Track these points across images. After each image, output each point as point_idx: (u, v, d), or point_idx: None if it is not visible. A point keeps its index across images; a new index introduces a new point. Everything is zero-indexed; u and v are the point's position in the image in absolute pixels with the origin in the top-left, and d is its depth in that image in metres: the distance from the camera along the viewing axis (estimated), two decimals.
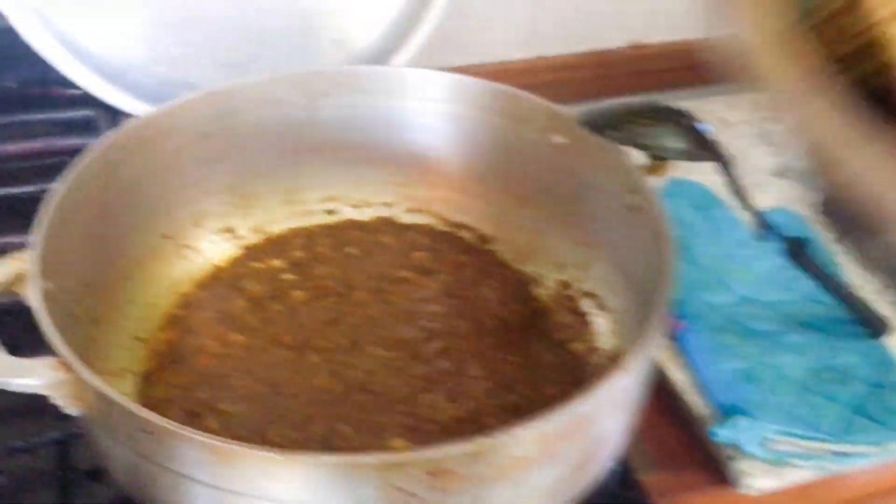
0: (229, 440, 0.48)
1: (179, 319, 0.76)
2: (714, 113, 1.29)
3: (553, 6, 1.22)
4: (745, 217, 0.77)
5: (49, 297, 0.59)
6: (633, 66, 1.31)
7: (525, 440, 0.51)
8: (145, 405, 0.67)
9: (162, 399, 0.70)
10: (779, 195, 1.10)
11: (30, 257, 0.60)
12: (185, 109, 0.77)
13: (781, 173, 1.18)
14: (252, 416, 0.69)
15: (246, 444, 0.48)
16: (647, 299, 0.69)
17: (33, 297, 0.56)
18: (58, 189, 0.66)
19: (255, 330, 0.76)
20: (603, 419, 0.56)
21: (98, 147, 0.70)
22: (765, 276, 0.97)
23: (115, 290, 0.74)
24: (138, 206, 0.76)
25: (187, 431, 0.48)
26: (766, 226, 0.79)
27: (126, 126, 0.73)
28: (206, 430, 0.65)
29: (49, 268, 0.61)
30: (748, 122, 1.29)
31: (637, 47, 1.31)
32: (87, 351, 0.68)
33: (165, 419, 0.49)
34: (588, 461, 0.57)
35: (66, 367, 0.53)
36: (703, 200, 1.06)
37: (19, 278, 0.59)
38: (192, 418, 0.68)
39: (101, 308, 0.72)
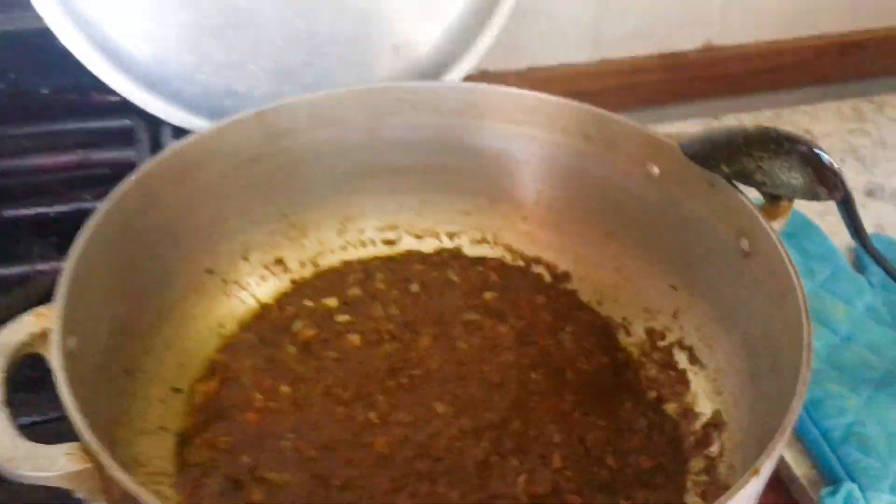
0: None
1: (221, 367, 0.68)
2: (796, 124, 1.18)
3: (620, 5, 1.12)
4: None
5: (73, 358, 0.51)
6: (705, 70, 1.22)
7: None
8: (183, 471, 0.60)
9: (202, 463, 0.62)
10: (871, 218, 0.99)
11: (53, 313, 0.51)
12: (230, 132, 0.69)
13: (872, 193, 1.07)
14: (301, 487, 0.60)
15: None
16: (762, 365, 0.59)
17: (55, 363, 0.48)
18: (88, 226, 0.58)
19: (306, 380, 0.68)
20: None
21: (135, 177, 0.62)
22: (867, 311, 0.86)
23: (151, 334, 0.66)
24: (179, 239, 0.68)
25: None
26: (869, 255, 0.69)
27: (166, 152, 0.65)
28: (250, 502, 0.58)
29: (75, 318, 0.53)
30: (833, 133, 1.18)
31: (710, 49, 1.21)
32: (119, 407, 0.61)
33: None
34: None
35: (90, 455, 0.44)
36: (795, 225, 0.96)
37: (42, 336, 0.51)
38: (235, 488, 0.60)
39: (135, 356, 0.64)
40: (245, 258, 0.74)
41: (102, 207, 0.59)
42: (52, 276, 0.56)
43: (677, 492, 0.61)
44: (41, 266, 0.81)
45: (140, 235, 0.63)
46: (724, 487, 0.60)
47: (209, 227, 0.70)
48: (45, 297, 0.53)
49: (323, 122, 0.72)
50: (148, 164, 0.63)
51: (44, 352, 0.51)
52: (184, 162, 0.66)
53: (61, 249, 0.89)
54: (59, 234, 0.90)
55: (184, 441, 0.63)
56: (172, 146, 0.66)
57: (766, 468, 0.46)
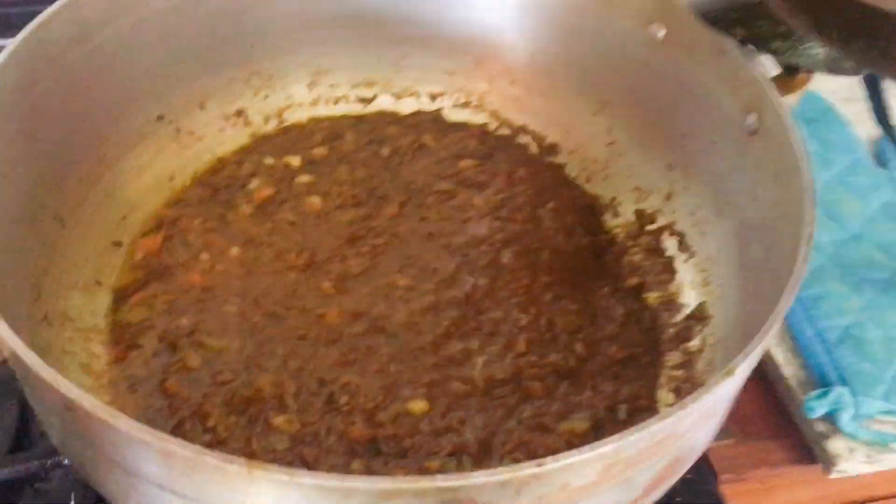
0: (168, 439, 0.35)
1: (168, 222, 0.63)
2: None
3: None
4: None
5: None
6: None
7: (586, 469, 0.36)
8: (116, 329, 0.56)
9: (137, 323, 0.57)
10: None
11: None
12: None
13: None
14: (241, 355, 0.56)
15: (201, 449, 0.35)
16: (756, 256, 0.53)
17: None
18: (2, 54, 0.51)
19: (258, 243, 0.62)
20: (693, 433, 0.42)
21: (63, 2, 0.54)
22: (883, 208, 0.80)
23: (90, 182, 0.60)
24: (125, 78, 0.61)
25: (111, 417, 0.35)
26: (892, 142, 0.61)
27: None
28: (185, 367, 0.54)
29: None
30: None
31: None
32: (48, 258, 0.56)
33: (88, 397, 0.36)
34: (663, 480, 0.43)
35: None
36: (815, 111, 0.87)
37: None
38: (170, 351, 0.56)
39: (70, 205, 0.59)
40: (202, 106, 0.67)
41: (21, 34, 0.52)
42: None
43: (649, 386, 0.57)
44: None
45: (71, 71, 0.56)
46: (700, 385, 0.55)
47: (159, 68, 0.63)
48: None
49: None
50: None
51: None
52: None
53: None
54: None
55: (120, 298, 0.58)
56: None
57: (743, 369, 0.41)
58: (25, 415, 0.59)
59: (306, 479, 0.34)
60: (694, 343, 0.58)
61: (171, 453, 0.35)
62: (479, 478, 0.34)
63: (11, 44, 0.52)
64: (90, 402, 0.36)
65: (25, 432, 0.59)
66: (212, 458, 0.34)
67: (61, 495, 0.57)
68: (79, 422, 0.37)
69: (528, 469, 0.34)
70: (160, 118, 0.65)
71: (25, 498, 0.56)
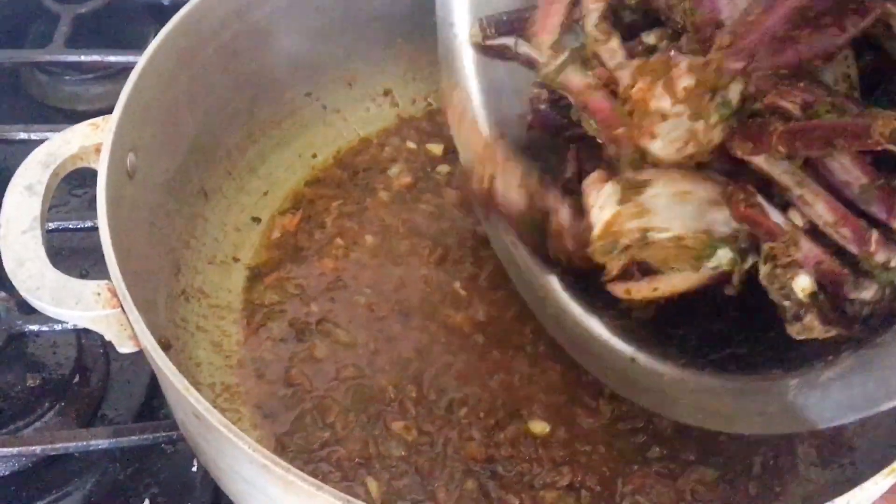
0: (285, 466, 0.34)
1: (307, 202, 0.62)
2: None
3: None
4: None
5: (130, 177, 0.47)
6: None
7: None
8: (250, 308, 0.56)
9: (269, 305, 0.57)
10: None
11: (109, 125, 0.46)
12: None
13: None
14: (366, 350, 0.55)
15: (303, 475, 0.34)
16: None
17: (100, 181, 0.43)
18: (165, 29, 0.51)
19: (393, 233, 0.61)
20: None
21: None
22: None
23: (237, 156, 0.61)
24: (277, 55, 0.60)
25: (235, 436, 0.35)
26: None
27: None
28: (311, 356, 0.54)
29: (136, 133, 0.48)
30: None
31: None
32: (191, 231, 0.57)
33: (215, 413, 0.35)
34: None
35: (118, 298, 0.40)
36: None
37: (96, 150, 0.46)
38: (298, 338, 0.56)
39: (216, 178, 0.59)
40: (350, 84, 0.66)
41: (186, 7, 0.52)
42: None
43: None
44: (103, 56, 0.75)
45: (228, 46, 0.56)
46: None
47: (311, 45, 0.62)
48: None
49: None
50: None
51: (96, 167, 0.46)
52: None
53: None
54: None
55: (254, 277, 0.59)
56: None
57: None
58: (155, 381, 0.61)
59: None
60: None
61: (291, 482, 0.34)
62: None
63: (176, 16, 0.52)
64: (218, 419, 0.35)
65: (155, 396, 0.62)
66: (330, 496, 0.33)
67: (185, 461, 0.59)
68: (205, 429, 0.37)
69: None
70: (308, 95, 0.65)
71: (150, 461, 0.59)
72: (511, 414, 0.52)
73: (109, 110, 0.78)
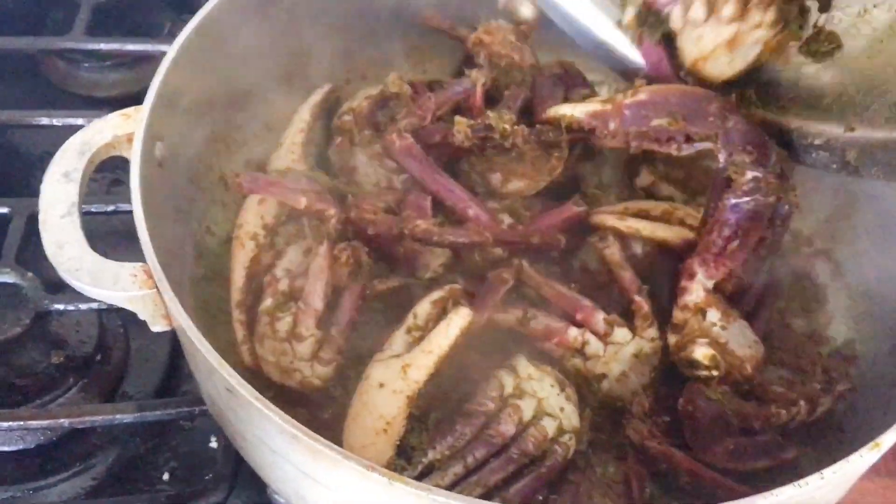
0: (314, 436, 0.37)
1: None
2: None
3: None
4: None
5: (159, 166, 0.49)
6: None
7: None
8: None
9: None
10: None
11: (141, 115, 0.48)
12: None
13: None
14: None
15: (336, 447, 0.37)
16: None
17: (133, 171, 0.46)
18: (194, 20, 0.53)
19: None
20: (828, 495, 0.41)
21: None
22: None
23: (254, 144, 0.63)
24: (297, 47, 0.63)
25: (267, 409, 0.37)
26: None
27: None
28: None
29: (165, 122, 0.50)
30: None
31: None
32: (212, 218, 0.59)
33: (248, 387, 0.38)
34: None
35: (153, 279, 0.42)
36: None
37: (128, 139, 0.48)
38: None
39: (233, 165, 0.61)
40: (363, 77, 0.68)
41: (205, 9, 0.54)
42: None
43: None
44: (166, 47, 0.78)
45: (252, 37, 0.59)
46: (836, 428, 0.53)
47: (329, 38, 0.64)
48: None
49: None
50: None
51: (127, 155, 0.48)
52: None
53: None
54: (194, 7, 0.87)
55: None
56: None
57: (888, 441, 0.39)
58: (174, 356, 0.64)
59: (441, 497, 0.36)
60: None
61: (318, 451, 0.37)
62: None
63: (204, 8, 0.54)
64: (250, 392, 0.38)
65: (174, 375, 0.64)
66: (356, 464, 0.36)
67: (203, 436, 0.61)
68: (236, 403, 0.40)
69: None
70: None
71: (170, 436, 0.61)
72: None
73: (126, 97, 0.81)
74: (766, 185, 0.48)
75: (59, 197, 0.45)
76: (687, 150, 0.51)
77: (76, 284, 0.43)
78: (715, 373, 0.49)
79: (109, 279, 0.43)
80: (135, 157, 0.46)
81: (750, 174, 0.48)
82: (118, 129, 0.48)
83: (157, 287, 0.42)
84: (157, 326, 0.45)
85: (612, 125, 0.50)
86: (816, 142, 0.49)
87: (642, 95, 0.50)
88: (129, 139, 0.48)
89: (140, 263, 0.43)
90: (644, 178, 0.59)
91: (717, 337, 0.49)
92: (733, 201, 0.49)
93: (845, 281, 0.60)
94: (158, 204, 0.49)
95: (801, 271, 0.61)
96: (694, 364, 0.50)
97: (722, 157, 0.49)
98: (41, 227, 0.44)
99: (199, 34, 0.54)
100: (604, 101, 0.51)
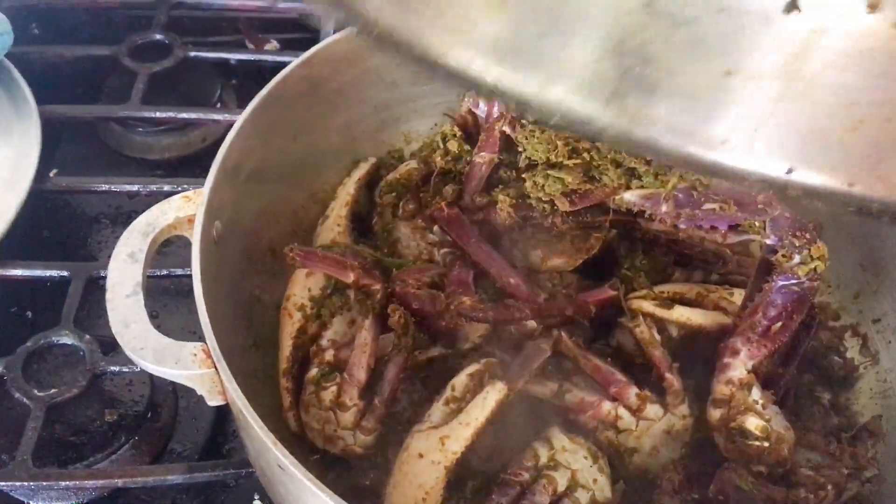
0: None
1: None
2: None
3: None
4: None
5: (216, 244, 0.52)
6: None
7: None
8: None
9: None
10: None
11: (201, 198, 0.51)
12: None
13: None
14: None
15: None
16: None
17: (194, 255, 0.49)
18: (248, 110, 0.57)
19: None
20: None
21: (300, 60, 0.60)
22: None
23: (301, 215, 0.66)
24: (343, 122, 0.66)
25: (318, 488, 0.40)
26: None
27: (336, 38, 0.62)
28: None
29: (222, 203, 0.54)
30: None
31: None
32: (261, 287, 0.62)
33: (301, 467, 0.41)
34: None
35: (209, 357, 0.45)
36: None
37: (189, 221, 0.52)
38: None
39: (282, 236, 0.64)
40: (408, 142, 0.72)
41: (264, 91, 0.58)
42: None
43: None
44: (216, 115, 0.83)
45: (301, 117, 0.62)
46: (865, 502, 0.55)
47: (370, 116, 0.68)
48: None
49: None
50: (320, 46, 0.61)
51: (189, 236, 0.51)
52: (352, 47, 0.63)
53: (240, 93, 0.92)
54: (241, 76, 0.92)
55: None
56: (341, 35, 0.62)
57: None
58: (221, 414, 0.67)
59: None
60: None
61: None
62: None
63: (257, 97, 0.58)
64: (303, 472, 0.40)
65: (220, 433, 0.67)
66: None
67: (247, 494, 0.64)
68: (287, 478, 0.42)
69: None
70: (366, 160, 0.70)
71: (216, 493, 0.64)
72: None
73: (176, 160, 0.85)
74: (812, 270, 0.50)
75: (125, 277, 0.48)
76: (731, 239, 0.53)
77: (140, 363, 0.46)
78: (766, 444, 0.50)
79: (171, 358, 0.46)
80: (195, 238, 0.49)
81: (797, 257, 0.50)
82: (180, 212, 0.52)
83: (215, 367, 0.45)
84: (214, 401, 0.47)
85: (664, 207, 0.52)
86: None
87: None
88: (190, 221, 0.51)
89: (200, 344, 0.46)
90: None
91: (761, 414, 0.51)
92: (781, 283, 0.51)
93: (873, 356, 0.61)
94: (214, 280, 0.52)
95: (829, 345, 0.63)
96: (745, 434, 0.51)
97: (770, 242, 0.51)
98: (108, 305, 0.47)
99: (262, 110, 0.57)
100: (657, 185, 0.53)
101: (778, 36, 0.25)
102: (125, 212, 0.81)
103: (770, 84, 0.26)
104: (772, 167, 0.28)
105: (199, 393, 0.47)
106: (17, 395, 0.61)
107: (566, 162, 0.57)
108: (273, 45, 0.95)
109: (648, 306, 0.57)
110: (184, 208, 0.52)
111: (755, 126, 0.27)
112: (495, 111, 0.63)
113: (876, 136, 0.27)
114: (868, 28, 0.24)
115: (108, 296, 0.47)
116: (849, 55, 0.25)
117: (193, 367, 0.45)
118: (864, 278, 0.63)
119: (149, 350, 0.46)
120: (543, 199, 0.56)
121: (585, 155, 0.57)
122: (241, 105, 0.87)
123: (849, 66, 0.25)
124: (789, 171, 0.28)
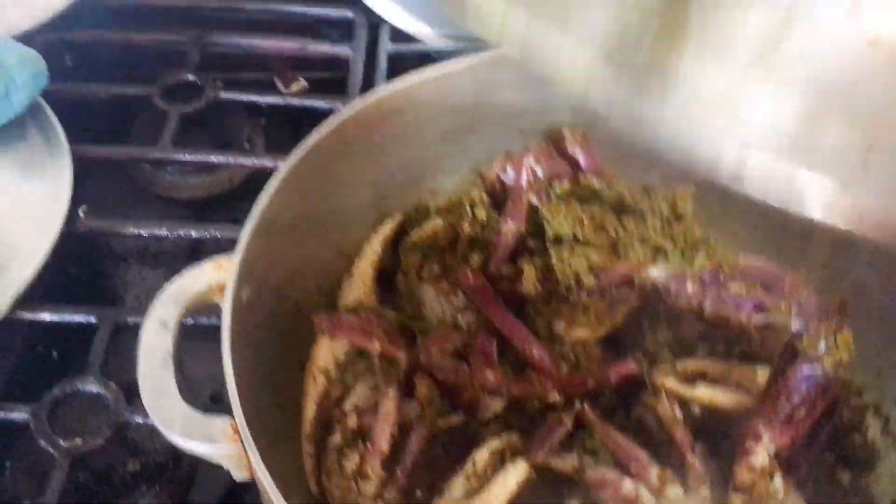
0: None
1: None
2: None
3: None
4: None
5: (245, 309, 0.53)
6: None
7: None
8: None
9: None
10: None
11: (232, 265, 0.52)
12: (438, 82, 0.65)
13: None
14: None
15: None
16: None
17: (224, 324, 0.49)
18: (276, 176, 0.58)
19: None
20: None
21: (329, 127, 0.60)
22: None
23: (327, 274, 0.67)
24: (368, 183, 0.67)
25: None
26: None
27: (369, 99, 0.63)
28: None
29: (252, 269, 0.54)
30: None
31: None
32: (289, 346, 0.62)
33: None
34: None
35: (237, 432, 0.46)
36: None
37: (220, 288, 0.52)
38: None
39: (307, 296, 0.65)
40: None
41: (292, 158, 0.58)
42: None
43: None
44: (244, 160, 0.84)
45: (330, 180, 0.63)
46: None
47: (398, 172, 0.68)
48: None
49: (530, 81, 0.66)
50: (347, 111, 0.62)
51: (220, 302, 0.52)
52: (385, 107, 0.64)
53: (268, 133, 0.93)
54: (270, 117, 0.93)
55: None
56: (377, 92, 0.63)
57: None
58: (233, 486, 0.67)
59: None
60: None
61: None
62: None
63: (292, 155, 0.59)
64: None
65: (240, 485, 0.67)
66: None
67: None
68: None
69: None
70: (392, 217, 0.70)
71: None
72: None
73: (204, 199, 0.86)
74: (837, 361, 0.51)
75: (156, 346, 0.49)
76: (756, 320, 0.53)
77: (169, 436, 0.47)
78: None
79: (200, 433, 0.46)
80: (226, 306, 0.50)
81: (823, 345, 0.51)
82: (212, 280, 0.52)
83: (243, 444, 0.45)
84: (240, 477, 0.48)
85: (689, 287, 0.53)
86: None
87: None
88: (221, 289, 0.52)
89: (228, 419, 0.47)
90: None
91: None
92: (805, 371, 0.51)
93: (895, 438, 0.61)
94: (242, 345, 0.53)
95: (850, 424, 0.62)
96: None
97: (795, 326, 0.51)
98: (140, 376, 0.48)
99: (296, 167, 0.58)
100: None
101: None
102: (152, 252, 0.82)
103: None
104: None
105: (225, 468, 0.48)
106: (42, 443, 0.62)
107: (591, 238, 0.57)
108: (301, 84, 0.96)
109: (671, 383, 0.57)
110: (215, 276, 0.52)
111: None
112: (523, 179, 0.64)
113: None
114: None
115: (140, 365, 0.48)
116: None
117: (221, 442, 0.46)
118: (888, 356, 0.63)
119: (178, 424, 0.46)
120: (569, 273, 0.56)
121: (612, 231, 0.58)
122: (269, 147, 0.89)
123: None
124: None
